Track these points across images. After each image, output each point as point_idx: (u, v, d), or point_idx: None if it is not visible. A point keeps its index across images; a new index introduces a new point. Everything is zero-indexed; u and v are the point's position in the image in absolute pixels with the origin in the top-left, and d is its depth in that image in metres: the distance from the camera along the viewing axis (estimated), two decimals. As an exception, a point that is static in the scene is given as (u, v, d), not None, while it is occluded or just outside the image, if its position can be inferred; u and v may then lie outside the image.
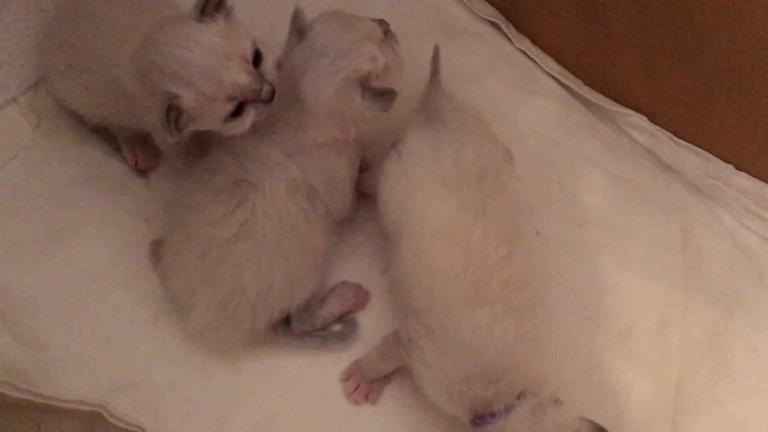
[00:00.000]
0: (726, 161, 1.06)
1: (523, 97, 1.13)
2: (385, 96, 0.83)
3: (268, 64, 0.79)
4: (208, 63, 0.74)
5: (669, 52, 1.00)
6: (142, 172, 1.00)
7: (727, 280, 1.04)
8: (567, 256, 1.03)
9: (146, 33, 0.78)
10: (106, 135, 1.00)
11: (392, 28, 0.91)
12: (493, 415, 0.77)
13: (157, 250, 0.93)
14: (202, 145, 0.91)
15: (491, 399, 0.77)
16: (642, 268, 1.03)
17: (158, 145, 0.93)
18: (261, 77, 0.77)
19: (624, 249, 1.04)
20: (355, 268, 0.99)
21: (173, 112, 0.74)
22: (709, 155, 1.07)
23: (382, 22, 0.89)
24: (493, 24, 1.17)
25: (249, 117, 0.78)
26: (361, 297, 0.96)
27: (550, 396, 0.78)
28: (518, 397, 0.77)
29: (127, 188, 1.00)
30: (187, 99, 0.74)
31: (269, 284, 0.85)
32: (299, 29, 0.84)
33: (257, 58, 0.78)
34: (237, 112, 0.77)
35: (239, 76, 0.75)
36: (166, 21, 0.79)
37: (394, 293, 0.91)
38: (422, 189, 0.85)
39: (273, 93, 0.78)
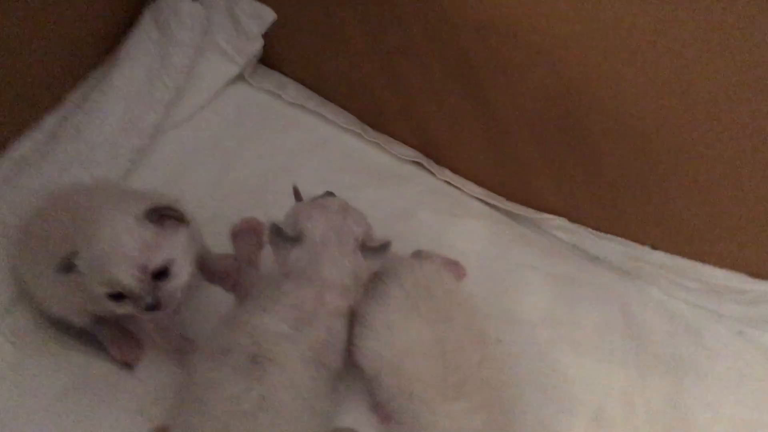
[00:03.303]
0: (642, 244, 1.21)
1: (456, 221, 1.26)
2: (384, 247, 0.96)
3: (170, 284, 0.85)
4: (106, 252, 0.82)
5: (572, 164, 1.16)
6: (129, 366, 1.04)
7: (671, 347, 1.16)
8: (529, 357, 1.13)
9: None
10: (87, 338, 1.05)
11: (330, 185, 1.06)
12: None
13: (161, 438, 0.97)
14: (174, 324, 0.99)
15: None
16: (597, 354, 1.14)
17: (139, 330, 0.99)
18: (152, 289, 0.84)
19: (576, 339, 1.15)
20: (345, 410, 1.05)
21: (68, 261, 0.83)
22: (627, 241, 1.22)
23: (329, 193, 1.01)
24: (416, 163, 1.31)
25: (125, 308, 0.86)
26: None
27: None
28: None
29: (117, 386, 1.03)
30: (81, 261, 0.82)
31: None
32: (293, 238, 0.95)
33: (164, 274, 0.85)
34: (117, 297, 0.85)
35: (123, 278, 0.82)
36: (126, 197, 0.88)
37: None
38: (388, 326, 0.96)
39: (154, 307, 0.84)
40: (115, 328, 1.05)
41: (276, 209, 1.08)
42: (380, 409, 1.03)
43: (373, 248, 0.97)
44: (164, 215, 0.86)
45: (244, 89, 1.34)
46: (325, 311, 0.96)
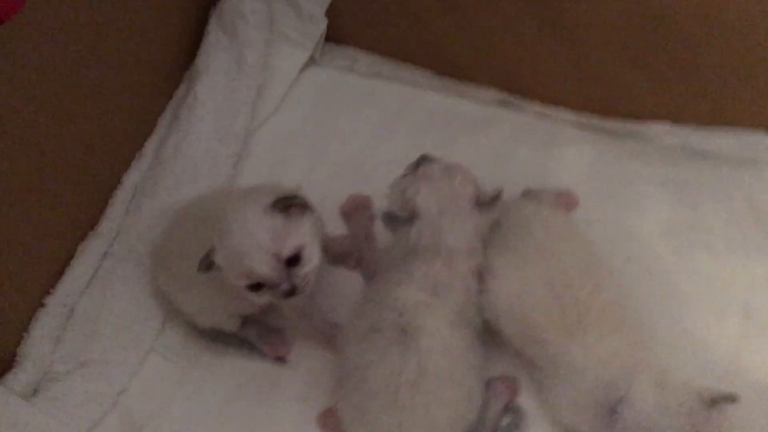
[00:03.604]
0: (755, 129, 1.16)
1: (557, 152, 1.24)
2: (497, 198, 0.98)
3: (302, 270, 0.89)
4: (241, 245, 0.86)
5: (667, 65, 1.13)
6: (282, 360, 1.09)
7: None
8: (662, 270, 1.11)
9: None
10: (238, 343, 1.10)
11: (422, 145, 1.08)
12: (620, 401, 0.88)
13: (328, 422, 1.02)
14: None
15: (612, 392, 0.89)
16: (732, 250, 1.11)
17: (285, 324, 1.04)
18: (288, 275, 0.88)
19: (708, 241, 1.13)
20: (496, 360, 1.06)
21: (208, 257, 0.87)
22: (738, 129, 1.18)
23: (424, 157, 1.03)
24: (503, 103, 1.29)
25: (264, 297, 0.90)
26: (512, 386, 1.04)
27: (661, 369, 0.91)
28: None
29: (276, 380, 1.08)
30: (219, 256, 0.87)
31: (454, 411, 0.93)
32: (407, 218, 0.98)
33: (296, 260, 0.89)
34: (256, 287, 0.89)
35: (259, 267, 0.86)
36: (252, 193, 0.93)
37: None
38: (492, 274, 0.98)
39: (291, 293, 0.87)
40: (262, 327, 1.10)
41: (376, 181, 1.12)
42: None
43: (486, 202, 0.99)
44: (290, 204, 0.89)
45: (318, 71, 1.35)
46: (457, 275, 0.98)
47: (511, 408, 1.03)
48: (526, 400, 1.03)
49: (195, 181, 1.18)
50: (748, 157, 1.18)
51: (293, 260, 0.89)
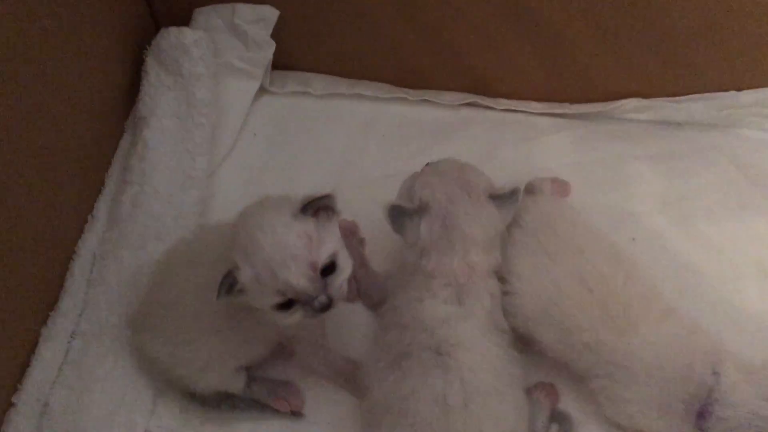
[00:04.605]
0: (726, 90, 1.16)
1: (535, 144, 1.20)
2: (514, 193, 0.92)
3: (339, 279, 0.80)
4: (273, 256, 0.76)
5: (631, 38, 1.12)
6: (298, 413, 0.98)
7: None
8: (669, 243, 1.09)
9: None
10: (245, 406, 0.98)
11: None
12: (709, 399, 0.81)
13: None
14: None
15: (695, 391, 0.83)
16: (730, 212, 1.11)
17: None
18: (323, 287, 0.79)
19: (705, 206, 1.12)
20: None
21: (229, 278, 0.77)
22: (709, 94, 1.18)
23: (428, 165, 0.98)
24: (470, 105, 1.24)
25: (295, 316, 0.80)
26: (553, 393, 0.97)
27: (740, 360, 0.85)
28: (713, 374, 0.83)
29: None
30: (244, 274, 0.77)
31: (508, 427, 0.85)
32: (417, 209, 0.90)
33: (330, 268, 0.80)
34: (287, 305, 0.79)
35: (295, 279, 0.76)
36: (270, 200, 0.83)
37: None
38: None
39: (327, 306, 0.79)
40: (269, 383, 0.98)
41: (356, 202, 1.03)
42: None
43: (502, 196, 0.93)
44: (319, 208, 0.80)
45: (270, 100, 1.25)
46: (478, 275, 0.91)
47: (557, 416, 0.96)
48: (568, 406, 0.96)
49: (160, 236, 1.05)
50: (723, 118, 1.18)
51: (328, 269, 0.79)
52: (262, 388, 0.98)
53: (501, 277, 0.94)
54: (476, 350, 0.86)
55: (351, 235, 1.09)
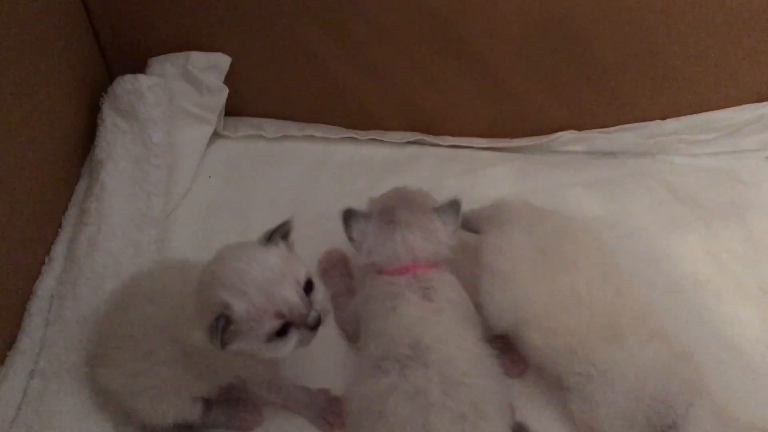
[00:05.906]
0: (652, 120, 1.26)
1: (479, 177, 1.26)
2: (454, 203, 1.01)
3: (319, 295, 0.84)
4: (264, 277, 0.78)
5: (564, 72, 1.21)
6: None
7: (721, 195, 1.23)
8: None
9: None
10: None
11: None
12: (672, 429, 0.85)
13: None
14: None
15: (662, 414, 0.85)
16: (666, 232, 1.18)
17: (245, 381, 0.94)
18: (310, 304, 0.82)
19: (643, 226, 1.19)
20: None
21: (222, 321, 0.77)
22: (637, 124, 1.27)
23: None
24: (415, 143, 1.31)
25: (292, 341, 0.82)
26: (522, 362, 1.02)
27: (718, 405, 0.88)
28: (687, 405, 0.85)
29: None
30: (238, 309, 0.77)
31: (483, 408, 0.87)
32: (366, 214, 0.99)
33: (309, 287, 0.83)
34: (282, 332, 0.81)
35: (290, 294, 0.79)
36: (234, 244, 0.85)
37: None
38: (516, 278, 0.95)
39: (318, 322, 0.81)
40: (225, 406, 0.99)
41: (312, 239, 1.09)
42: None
43: (443, 207, 1.01)
44: (283, 235, 0.85)
45: (225, 143, 1.30)
46: (424, 263, 0.97)
47: (516, 428, 0.99)
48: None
49: (119, 274, 1.06)
50: (652, 145, 1.27)
51: (308, 287, 0.82)
52: (219, 414, 0.98)
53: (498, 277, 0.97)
54: (452, 343, 0.90)
55: (342, 265, 1.12)
